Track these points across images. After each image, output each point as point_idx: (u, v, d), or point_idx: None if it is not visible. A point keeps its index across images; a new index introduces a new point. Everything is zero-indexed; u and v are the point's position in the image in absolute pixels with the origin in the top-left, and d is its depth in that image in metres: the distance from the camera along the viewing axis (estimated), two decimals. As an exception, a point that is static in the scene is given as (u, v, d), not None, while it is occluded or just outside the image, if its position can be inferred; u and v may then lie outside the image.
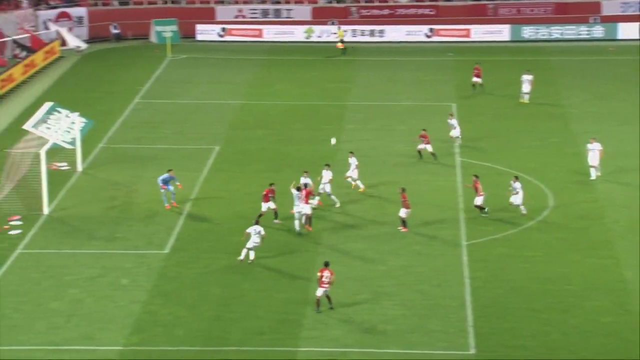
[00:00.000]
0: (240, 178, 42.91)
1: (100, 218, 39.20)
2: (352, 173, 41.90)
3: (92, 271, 34.37)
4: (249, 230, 34.82)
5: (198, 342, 29.92)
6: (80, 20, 70.61)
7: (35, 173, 40.28)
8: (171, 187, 40.02)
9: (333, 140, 40.83)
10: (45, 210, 39.44)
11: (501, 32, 69.84)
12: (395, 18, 71.61)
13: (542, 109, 53.88)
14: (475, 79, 55.92)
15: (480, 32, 69.77)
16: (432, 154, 45.29)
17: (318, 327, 30.70)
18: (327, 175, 40.21)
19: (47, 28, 68.65)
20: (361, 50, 68.22)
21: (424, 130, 45.87)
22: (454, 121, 47.56)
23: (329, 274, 31.14)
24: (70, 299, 32.30)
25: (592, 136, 44.30)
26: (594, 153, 43.11)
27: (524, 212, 38.97)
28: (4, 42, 65.22)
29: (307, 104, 55.86)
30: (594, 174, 43.11)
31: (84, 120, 45.43)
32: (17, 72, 59.85)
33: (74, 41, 68.15)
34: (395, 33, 70.36)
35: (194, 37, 70.69)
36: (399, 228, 37.85)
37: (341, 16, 72.11)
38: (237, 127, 51.56)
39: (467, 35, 69.86)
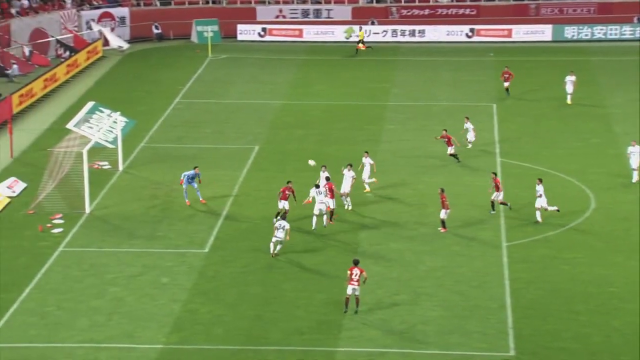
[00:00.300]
0: (280, 178, 42.92)
1: (141, 217, 39.45)
2: (365, 174, 41.64)
3: (133, 269, 34.60)
4: (275, 225, 35.03)
5: (237, 341, 29.99)
6: (122, 20, 71.13)
7: (77, 172, 40.62)
8: (195, 184, 40.15)
9: (312, 162, 40.98)
10: (87, 208, 39.77)
11: (543, 33, 69.31)
12: (436, 18, 71.35)
13: (584, 109, 53.41)
14: (506, 84, 55.08)
15: (521, 32, 69.29)
16: (454, 154, 44.84)
17: (357, 327, 30.66)
18: (348, 175, 39.96)
19: (89, 28, 69.23)
20: (401, 50, 68.06)
21: (444, 130, 45.49)
22: (469, 125, 46.82)
23: (358, 272, 31.04)
24: (111, 297, 32.54)
25: (633, 139, 43.82)
26: (634, 156, 42.64)
27: (556, 208, 38.53)
28: (47, 41, 65.91)
29: (347, 104, 55.84)
30: (635, 177, 42.64)
31: (125, 119, 45.75)
32: (61, 72, 60.45)
33: (116, 41, 68.67)
34: (435, 33, 70.11)
35: (234, 37, 70.96)
36: (439, 229, 37.70)
37: (381, 16, 72.01)
38: (277, 127, 51.65)
39: (509, 36, 69.41)
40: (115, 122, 44.51)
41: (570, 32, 69.23)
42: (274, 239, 35.20)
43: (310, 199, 38.18)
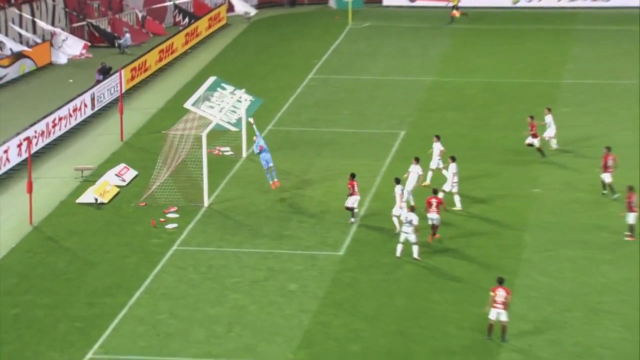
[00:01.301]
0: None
1: (266, 212, 39.87)
2: (434, 163, 40.87)
3: (257, 273, 35.01)
4: (401, 218, 35.12)
5: (377, 360, 30.07)
6: (249, -18, 72.07)
7: (195, 159, 41.33)
8: (271, 162, 40.44)
9: (250, 120, 40.99)
10: (206, 201, 40.41)
11: None
12: (625, -23, 69.71)
13: None
14: None
15: None
16: (539, 149, 43.55)
17: (521, 349, 30.26)
18: (415, 170, 39.15)
19: (212, -9, 70.41)
20: (580, 17, 66.79)
21: (530, 117, 44.05)
22: (549, 118, 44.68)
23: (504, 293, 30.44)
24: (231, 304, 32.99)
25: None
26: None
27: None
28: (164, 7, 67.29)
29: (511, 81, 55.23)
30: None
31: (251, 98, 46.30)
32: (178, 42, 61.65)
33: (242, 6, 69.62)
34: (625, -5, 68.56)
35: (379, 2, 70.99)
36: (625, 234, 36.81)
37: (556, -24, 70.87)
38: (427, 109, 51.45)
39: None
40: (239, 100, 45.09)
41: None
42: (402, 237, 35.18)
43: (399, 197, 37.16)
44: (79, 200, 41.12)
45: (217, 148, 45.73)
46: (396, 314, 32.29)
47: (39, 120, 46.58)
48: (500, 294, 30.36)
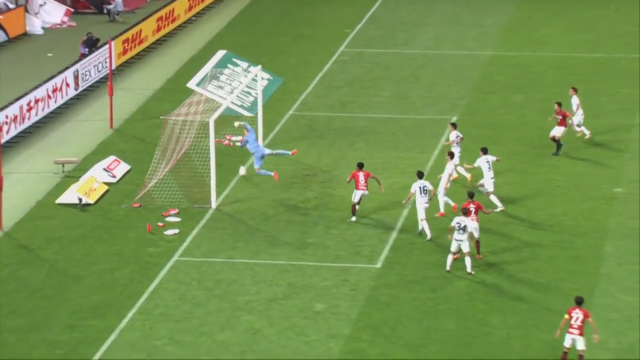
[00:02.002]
0: (488, 163, 42.81)
1: (287, 215, 39.97)
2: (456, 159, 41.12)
3: (275, 290, 35.11)
4: (452, 224, 35.18)
5: (421, 397, 30.20)
6: None
7: (200, 150, 41.41)
8: (267, 150, 40.87)
9: (242, 171, 41.07)
10: (213, 202, 40.56)
11: None
12: None
13: None
14: None
15: None
16: (557, 141, 43.67)
17: (597, 384, 30.38)
18: (449, 169, 39.28)
19: (221, -55, 70.53)
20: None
21: (557, 104, 43.87)
22: (575, 100, 44.85)
23: (581, 315, 30.31)
24: (244, 328, 33.12)
25: None
26: None
27: None
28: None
29: (588, 56, 55.13)
30: None
31: (268, 76, 46.39)
32: (180, 8, 61.78)
33: (257, -36, 69.77)
34: None
35: (425, -41, 71.01)
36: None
37: None
38: (484, 90, 51.44)
39: None
40: (254, 79, 45.20)
41: None
42: (453, 246, 35.25)
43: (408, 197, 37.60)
44: (59, 201, 41.32)
45: (228, 137, 45.85)
46: (445, 341, 32.34)
47: (10, 103, 46.81)
48: (577, 316, 30.24)
